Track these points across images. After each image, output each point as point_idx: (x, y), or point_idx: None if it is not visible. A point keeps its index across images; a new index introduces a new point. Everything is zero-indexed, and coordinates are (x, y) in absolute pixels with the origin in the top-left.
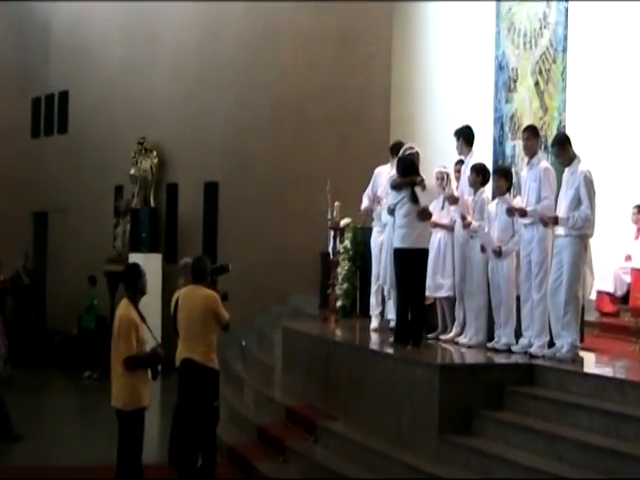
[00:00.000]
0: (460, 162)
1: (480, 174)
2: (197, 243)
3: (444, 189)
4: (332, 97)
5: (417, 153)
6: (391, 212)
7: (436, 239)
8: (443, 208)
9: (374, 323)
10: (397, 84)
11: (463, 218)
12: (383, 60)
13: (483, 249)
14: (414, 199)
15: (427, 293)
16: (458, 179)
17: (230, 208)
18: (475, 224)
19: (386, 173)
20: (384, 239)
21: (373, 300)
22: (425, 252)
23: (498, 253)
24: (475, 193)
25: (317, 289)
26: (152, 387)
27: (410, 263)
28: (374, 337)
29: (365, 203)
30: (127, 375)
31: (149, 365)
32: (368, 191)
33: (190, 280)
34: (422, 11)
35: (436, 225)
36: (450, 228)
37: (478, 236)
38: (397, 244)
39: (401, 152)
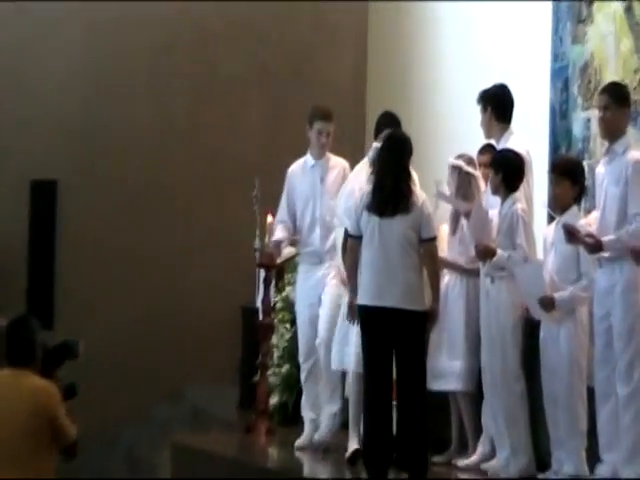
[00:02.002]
0: (489, 148)
1: (500, 170)
2: (15, 291)
3: (459, 193)
4: (260, 38)
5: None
6: (347, 238)
7: (442, 288)
8: (455, 232)
9: (304, 436)
10: (378, 15)
11: (479, 246)
12: None
13: (538, 305)
14: (393, 206)
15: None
16: (486, 178)
17: (78, 227)
18: (501, 254)
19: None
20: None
21: (305, 398)
22: (416, 316)
23: (548, 306)
24: (503, 203)
25: (234, 375)
26: None
27: (383, 332)
28: (333, 462)
29: (330, 238)
30: None
31: None
32: (339, 213)
33: (4, 362)
34: None
35: (443, 264)
36: (468, 270)
37: (510, 275)
38: (359, 298)
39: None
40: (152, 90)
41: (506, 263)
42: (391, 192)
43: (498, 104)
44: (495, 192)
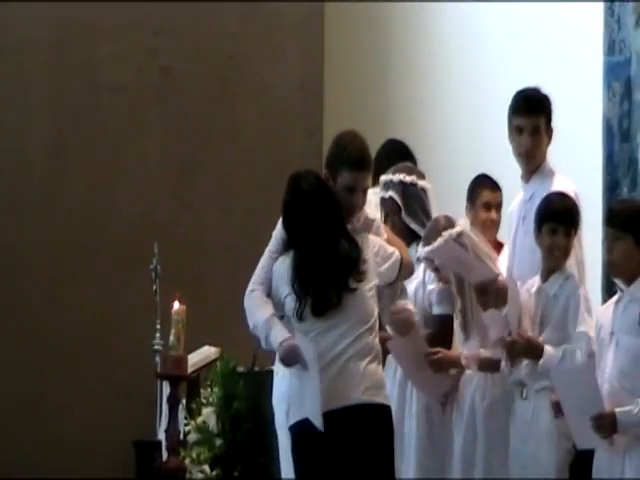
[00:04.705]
0: (487, 182)
1: (632, 230)
2: None
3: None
4: (158, 32)
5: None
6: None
7: (467, 397)
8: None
9: None
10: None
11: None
12: None
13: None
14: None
15: None
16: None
17: None
18: (553, 353)
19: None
20: None
21: None
22: (377, 411)
23: (607, 428)
24: (545, 278)
25: None
26: None
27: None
28: None
29: None
30: None
31: None
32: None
33: None
34: None
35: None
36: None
37: (554, 385)
38: (294, 414)
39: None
40: None
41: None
42: (329, 276)
43: (550, 111)
44: (623, 273)
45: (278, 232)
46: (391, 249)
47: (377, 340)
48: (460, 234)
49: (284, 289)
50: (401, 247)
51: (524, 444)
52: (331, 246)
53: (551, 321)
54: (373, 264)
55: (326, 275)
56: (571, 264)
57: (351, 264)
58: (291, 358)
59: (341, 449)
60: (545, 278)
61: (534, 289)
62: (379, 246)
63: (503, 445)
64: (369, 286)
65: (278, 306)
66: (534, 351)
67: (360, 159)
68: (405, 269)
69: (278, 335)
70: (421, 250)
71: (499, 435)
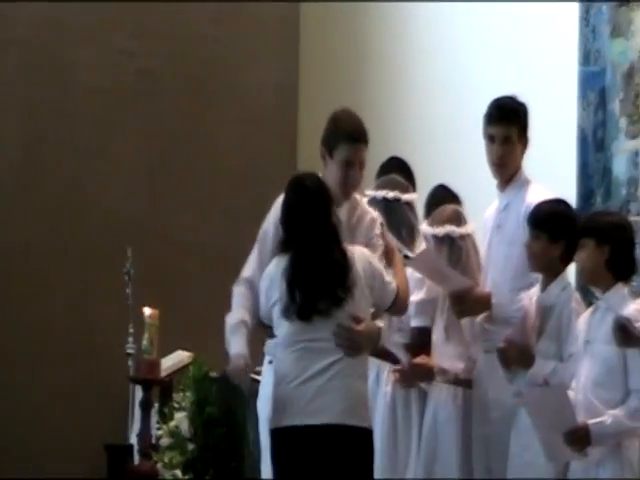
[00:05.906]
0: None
1: (607, 242)
2: None
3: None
4: (133, 34)
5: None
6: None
7: (429, 411)
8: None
9: None
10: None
11: (506, 361)
12: None
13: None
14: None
15: None
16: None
17: None
18: (544, 366)
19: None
20: None
21: None
22: (360, 434)
23: (581, 442)
24: (544, 288)
25: None
26: None
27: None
28: None
29: None
30: None
31: None
32: None
33: None
34: None
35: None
36: (464, 380)
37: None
38: (277, 420)
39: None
40: None
41: (548, 379)
42: (321, 282)
43: (526, 120)
44: (594, 280)
45: (269, 227)
46: (389, 279)
47: (365, 358)
48: (465, 236)
49: (274, 293)
50: (402, 282)
51: (524, 451)
52: (327, 249)
53: (546, 331)
54: (365, 284)
55: (318, 279)
56: (566, 278)
57: (341, 273)
58: (236, 377)
59: (317, 465)
60: (543, 288)
61: (534, 298)
62: (378, 269)
63: (450, 454)
64: (360, 304)
65: (265, 315)
66: (525, 359)
67: (356, 131)
68: (400, 304)
69: (236, 345)
70: (425, 228)
71: (449, 443)
